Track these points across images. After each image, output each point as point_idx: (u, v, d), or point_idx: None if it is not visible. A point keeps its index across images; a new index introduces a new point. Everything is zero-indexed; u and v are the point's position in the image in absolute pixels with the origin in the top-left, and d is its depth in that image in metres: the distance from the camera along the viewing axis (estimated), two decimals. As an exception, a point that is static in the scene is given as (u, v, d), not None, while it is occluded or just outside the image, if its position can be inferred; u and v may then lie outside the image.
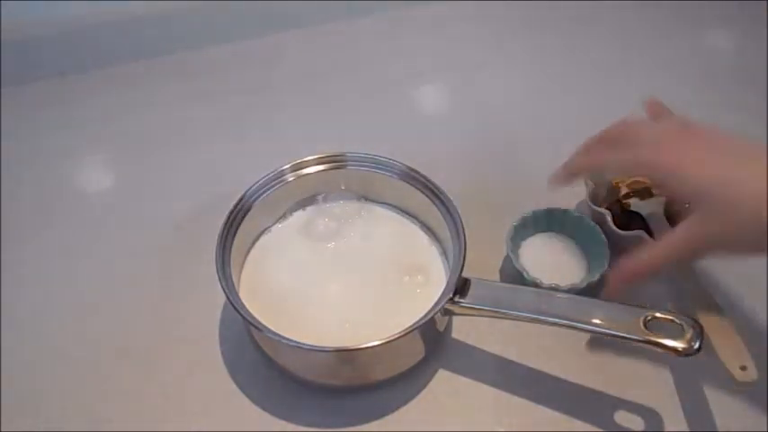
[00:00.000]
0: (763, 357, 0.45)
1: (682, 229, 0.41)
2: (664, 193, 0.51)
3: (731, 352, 0.42)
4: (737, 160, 0.40)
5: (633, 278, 0.42)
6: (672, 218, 0.52)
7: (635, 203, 0.54)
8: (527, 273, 0.49)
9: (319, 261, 0.51)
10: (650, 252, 0.42)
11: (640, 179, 0.56)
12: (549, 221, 0.54)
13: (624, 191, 0.55)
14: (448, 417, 0.46)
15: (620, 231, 0.52)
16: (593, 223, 0.52)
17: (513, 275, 0.51)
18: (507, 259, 0.53)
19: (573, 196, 0.58)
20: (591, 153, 0.46)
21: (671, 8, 0.80)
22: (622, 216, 0.54)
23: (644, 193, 0.54)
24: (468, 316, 0.45)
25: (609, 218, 0.52)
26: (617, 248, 0.54)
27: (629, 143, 0.43)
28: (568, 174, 0.47)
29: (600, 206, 0.54)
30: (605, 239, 0.51)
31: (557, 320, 0.42)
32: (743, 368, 0.41)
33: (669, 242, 0.41)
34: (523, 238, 0.53)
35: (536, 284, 0.49)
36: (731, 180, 0.39)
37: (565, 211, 0.53)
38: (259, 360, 0.48)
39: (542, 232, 0.54)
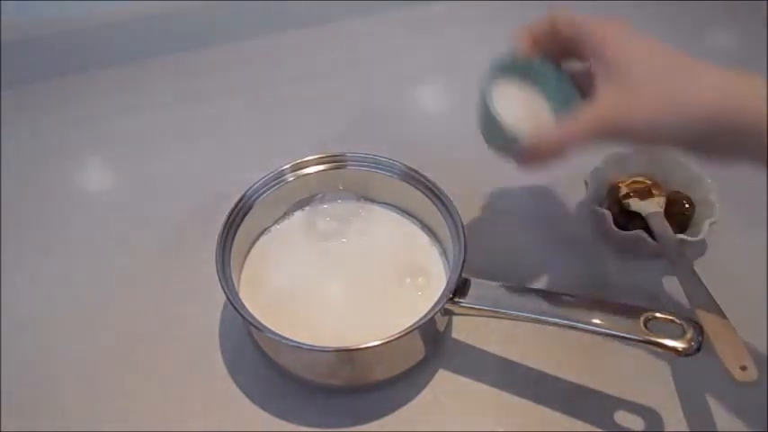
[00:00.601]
0: (763, 357, 0.45)
1: (592, 113, 0.39)
2: (584, 59, 0.45)
3: (731, 352, 0.42)
4: (689, 64, 0.40)
5: (538, 161, 0.41)
6: (672, 218, 0.52)
7: (635, 203, 0.54)
8: (500, 117, 0.45)
9: (319, 261, 0.51)
10: (559, 133, 0.40)
11: (640, 179, 0.56)
12: (521, 72, 0.48)
13: (624, 191, 0.55)
14: (448, 417, 0.46)
15: (620, 231, 0.52)
16: (564, 75, 0.46)
17: (486, 119, 0.46)
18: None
19: (573, 197, 0.58)
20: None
21: (671, 8, 0.80)
22: (622, 216, 0.53)
23: (644, 193, 0.55)
24: (468, 316, 0.45)
25: (610, 219, 0.52)
26: (617, 248, 0.54)
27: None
28: (527, 34, 0.47)
29: (600, 207, 0.54)
30: (575, 91, 0.45)
31: (557, 320, 0.42)
32: (743, 368, 0.41)
33: (577, 126, 0.40)
34: (495, 84, 0.48)
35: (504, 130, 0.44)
36: (667, 69, 0.39)
37: (541, 62, 0.47)
38: (259, 360, 0.48)
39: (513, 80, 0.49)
